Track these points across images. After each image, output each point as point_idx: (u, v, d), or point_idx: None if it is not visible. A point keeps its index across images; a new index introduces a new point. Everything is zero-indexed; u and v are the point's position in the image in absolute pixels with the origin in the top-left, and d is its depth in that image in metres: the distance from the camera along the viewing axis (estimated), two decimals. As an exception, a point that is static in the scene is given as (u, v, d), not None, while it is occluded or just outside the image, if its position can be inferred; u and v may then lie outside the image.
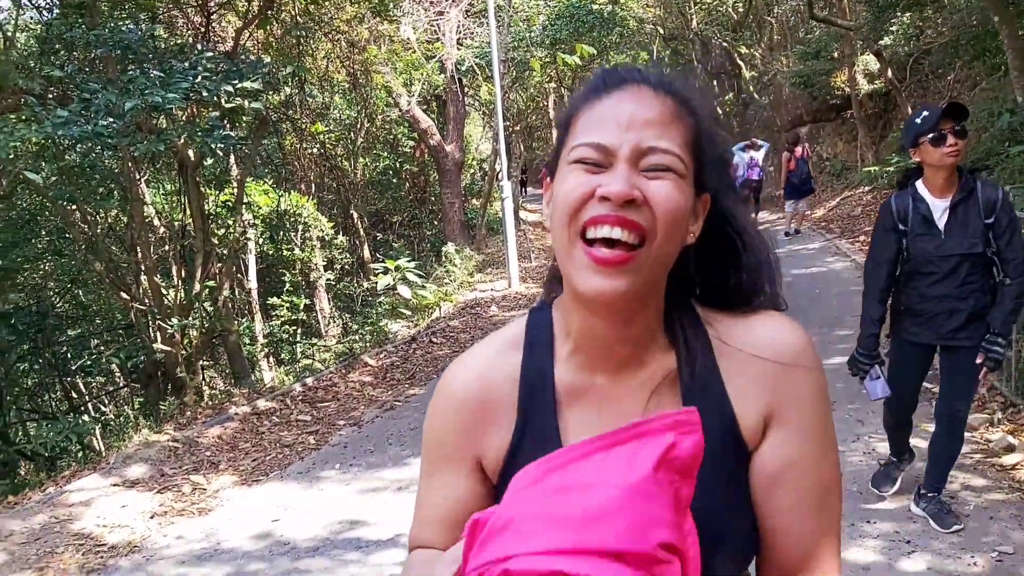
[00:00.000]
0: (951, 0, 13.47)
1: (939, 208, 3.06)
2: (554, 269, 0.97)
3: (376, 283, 12.41)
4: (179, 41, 7.55)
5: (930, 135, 2.96)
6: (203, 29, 8.76)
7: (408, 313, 11.80)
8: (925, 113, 3.01)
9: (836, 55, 18.13)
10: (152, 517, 4.85)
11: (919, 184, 3.12)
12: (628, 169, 0.80)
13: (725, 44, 22.60)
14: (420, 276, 11.94)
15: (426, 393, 7.18)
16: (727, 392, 0.87)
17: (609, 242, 0.79)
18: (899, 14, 14.32)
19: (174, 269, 8.34)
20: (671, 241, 0.82)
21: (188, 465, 5.70)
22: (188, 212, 8.51)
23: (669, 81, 0.87)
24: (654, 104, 0.83)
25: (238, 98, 6.35)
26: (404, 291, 11.29)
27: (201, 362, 8.53)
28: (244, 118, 6.98)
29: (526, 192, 28.55)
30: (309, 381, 7.74)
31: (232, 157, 9.03)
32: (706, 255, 0.91)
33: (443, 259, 14.03)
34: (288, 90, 7.88)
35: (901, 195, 3.16)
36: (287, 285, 14.24)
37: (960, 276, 3.02)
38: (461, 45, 15.03)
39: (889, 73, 15.98)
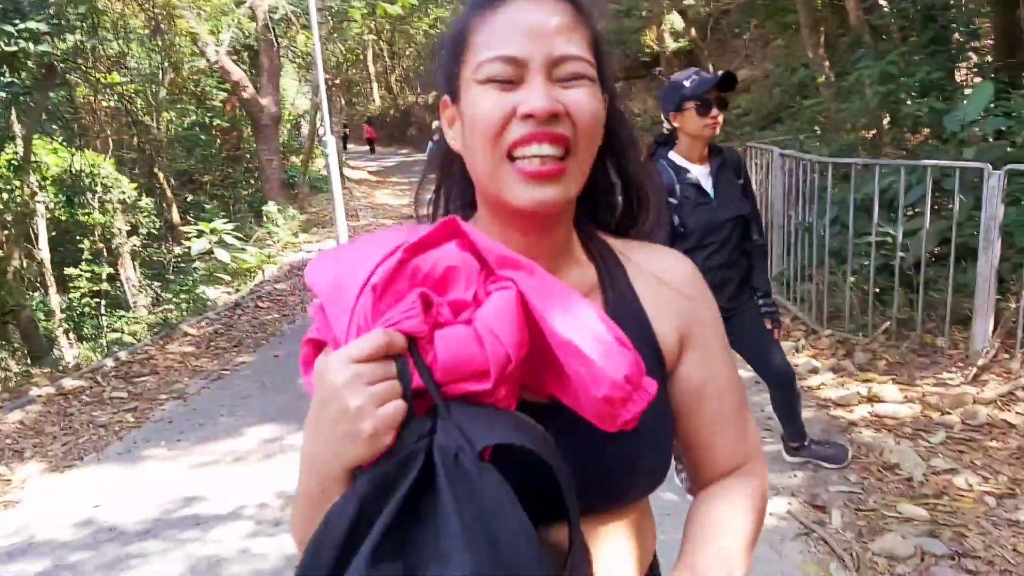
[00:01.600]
0: (746, -37, 14.38)
1: (703, 174, 2.93)
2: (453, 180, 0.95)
3: (189, 248, 11.58)
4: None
5: (697, 102, 2.77)
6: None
7: (227, 278, 11.16)
8: (694, 77, 2.81)
9: (644, 14, 18.95)
10: (-55, 517, 4.27)
11: (672, 155, 2.91)
12: (544, 82, 0.77)
13: None
14: (239, 238, 11.29)
15: (256, 360, 6.83)
16: (644, 310, 0.89)
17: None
18: (702, -25, 15.14)
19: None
20: (592, 146, 0.82)
21: (-16, 456, 5.06)
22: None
23: None
24: (555, 9, 0.79)
25: (20, 40, 5.49)
26: (222, 255, 10.65)
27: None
28: (28, 65, 6.08)
29: (347, 149, 27.69)
30: (122, 355, 7.10)
31: (13, 110, 7.93)
32: (603, 166, 0.91)
33: (264, 219, 13.34)
34: (78, 35, 6.96)
35: (659, 168, 2.90)
36: (85, 253, 12.95)
37: (733, 241, 2.98)
38: (272, -9, 14.14)
39: (693, 32, 16.94)
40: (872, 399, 4.08)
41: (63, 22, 6.12)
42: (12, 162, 8.20)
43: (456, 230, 0.72)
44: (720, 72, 2.80)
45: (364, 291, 0.68)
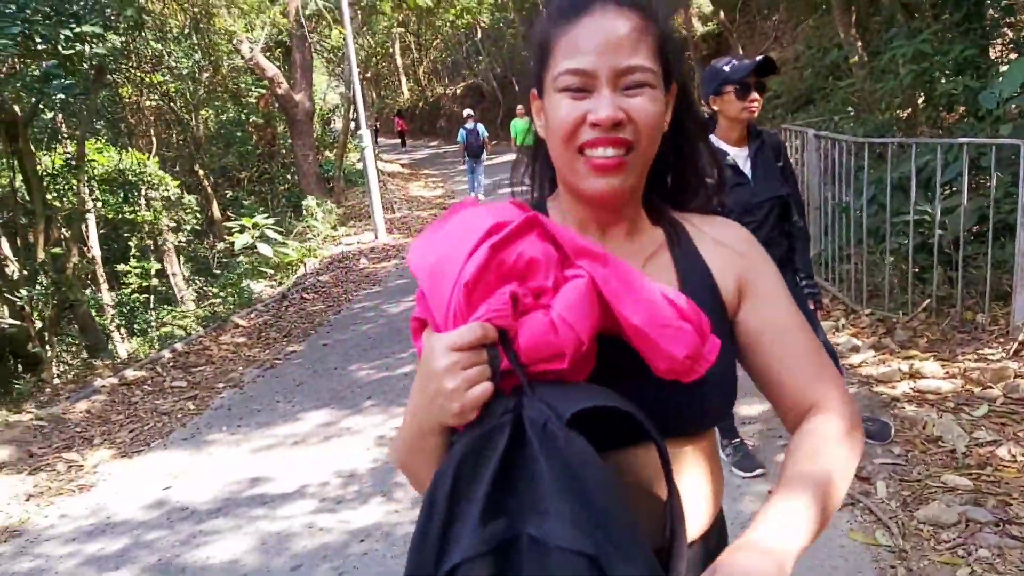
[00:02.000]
0: (775, -57, 14.28)
1: (742, 157, 3.06)
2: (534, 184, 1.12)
3: (232, 243, 11.88)
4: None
5: (736, 86, 2.88)
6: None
7: (270, 272, 11.42)
8: (734, 62, 2.93)
9: (674, -3, 18.84)
10: (28, 499, 4.54)
11: (712, 138, 3.04)
12: (610, 92, 0.91)
13: (569, -13, 22.78)
14: (279, 232, 11.55)
15: (306, 349, 7.06)
16: (708, 267, 1.03)
17: None
18: (730, -43, 15.02)
19: (9, 240, 7.59)
20: (653, 144, 0.96)
21: (58, 443, 5.35)
22: (16, 174, 7.72)
23: None
24: (621, 22, 0.92)
25: (77, 43, 5.74)
26: (264, 249, 10.89)
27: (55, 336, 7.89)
28: (82, 67, 6.35)
29: (378, 142, 27.94)
30: (179, 347, 7.38)
31: (60, 112, 8.23)
32: (673, 146, 1.05)
33: (303, 213, 13.59)
34: (122, 37, 7.22)
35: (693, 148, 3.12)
36: (133, 250, 13.34)
37: (771, 222, 3.07)
38: (304, -13, 14.35)
39: (722, 15, 16.82)
40: (914, 375, 4.16)
41: (114, 24, 6.37)
42: (69, 162, 8.50)
43: (535, 223, 0.84)
44: (759, 57, 2.91)
45: (458, 285, 0.81)
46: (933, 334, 4.58)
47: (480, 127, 15.28)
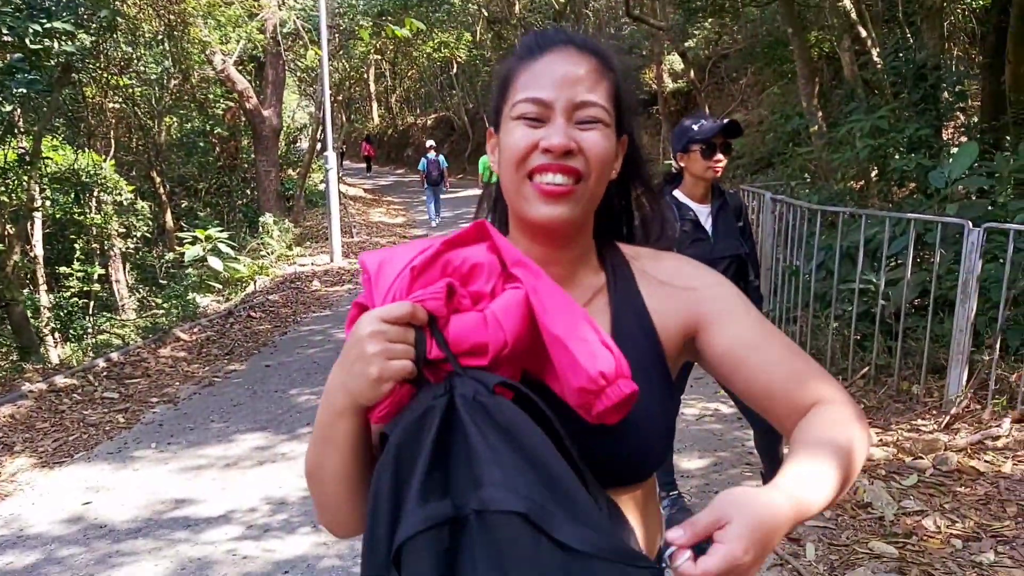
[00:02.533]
0: (746, 10, 14.81)
1: (704, 213, 3.12)
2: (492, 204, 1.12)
3: (181, 253, 11.64)
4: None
5: (702, 145, 2.95)
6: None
7: (218, 286, 11.20)
8: (703, 122, 3.00)
9: (645, 53, 19.33)
10: (-66, 505, 4.31)
11: (677, 193, 3.09)
12: (564, 123, 0.94)
13: (545, 32, 23.23)
14: (232, 247, 11.36)
15: (247, 369, 6.90)
16: (647, 310, 1.03)
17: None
18: (704, 19, 15.52)
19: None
20: (601, 180, 0.98)
21: (-25, 448, 5.11)
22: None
23: (592, 42, 0.99)
24: (581, 62, 0.96)
25: (46, 39, 5.62)
26: (215, 263, 10.70)
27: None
28: (48, 63, 6.21)
29: (344, 165, 27.85)
30: (114, 356, 7.15)
31: (20, 106, 8.04)
32: (622, 192, 1.09)
33: (260, 230, 13.41)
34: (92, 36, 7.11)
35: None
36: (78, 252, 12.97)
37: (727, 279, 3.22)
38: (283, 5, 14.35)
39: (692, 74, 17.30)
40: (849, 440, 4.22)
41: (87, 23, 6.27)
42: (24, 157, 8.26)
43: (486, 232, 0.87)
44: (725, 119, 2.98)
45: (404, 270, 0.84)
46: (870, 401, 4.68)
47: (441, 158, 16.29)
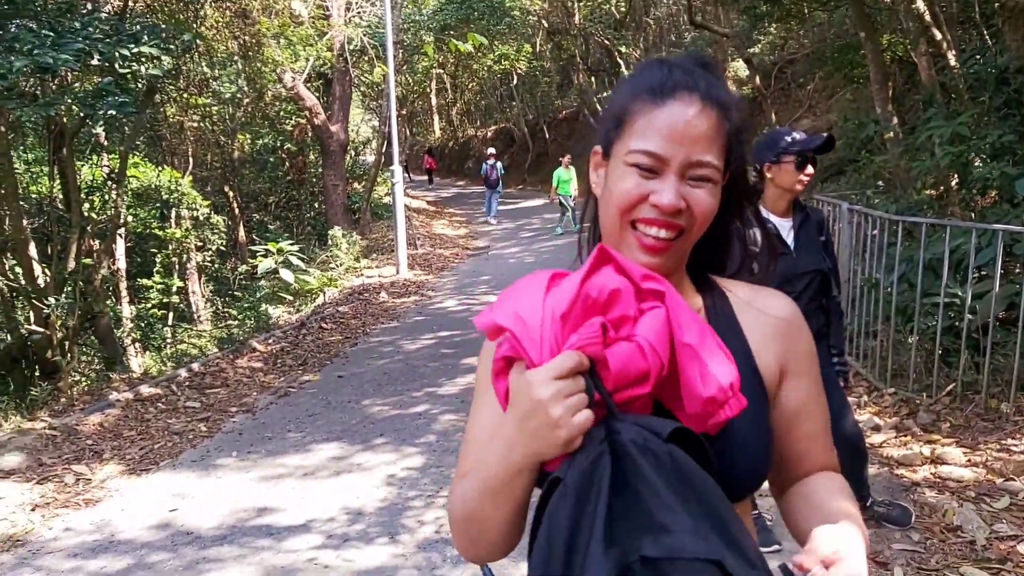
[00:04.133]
0: (813, 14, 14.51)
1: (785, 228, 3.07)
2: (589, 232, 1.13)
3: (255, 266, 11.98)
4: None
5: (798, 157, 2.91)
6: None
7: (290, 298, 11.50)
8: (796, 135, 2.96)
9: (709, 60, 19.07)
10: (34, 509, 4.53)
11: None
12: (676, 180, 0.95)
13: (606, 42, 23.26)
14: (302, 259, 11.64)
15: (321, 379, 7.07)
16: (747, 340, 1.05)
17: None
18: (769, 25, 15.27)
19: (40, 246, 7.71)
20: (701, 232, 1.00)
21: (69, 454, 5.36)
22: (57, 184, 7.87)
23: (716, 92, 0.98)
24: (702, 118, 0.95)
25: (134, 63, 5.92)
26: (286, 275, 10.96)
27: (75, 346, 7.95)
28: (137, 85, 6.52)
29: (410, 178, 28.27)
30: (195, 366, 7.41)
31: (107, 127, 8.44)
32: (722, 223, 1.08)
33: (329, 243, 13.72)
34: (173, 59, 7.45)
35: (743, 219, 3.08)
36: (158, 266, 13.49)
37: (809, 294, 3.05)
38: (349, 23, 14.70)
39: (757, 80, 17.02)
40: (935, 460, 4.09)
41: (169, 47, 6.57)
42: (112, 174, 8.66)
43: (608, 255, 0.89)
44: (824, 134, 2.96)
45: (549, 318, 0.85)
46: (956, 419, 4.52)
47: (499, 164, 18.37)
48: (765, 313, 1.07)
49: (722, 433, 0.92)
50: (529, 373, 0.84)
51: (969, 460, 4.05)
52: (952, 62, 7.82)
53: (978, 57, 7.31)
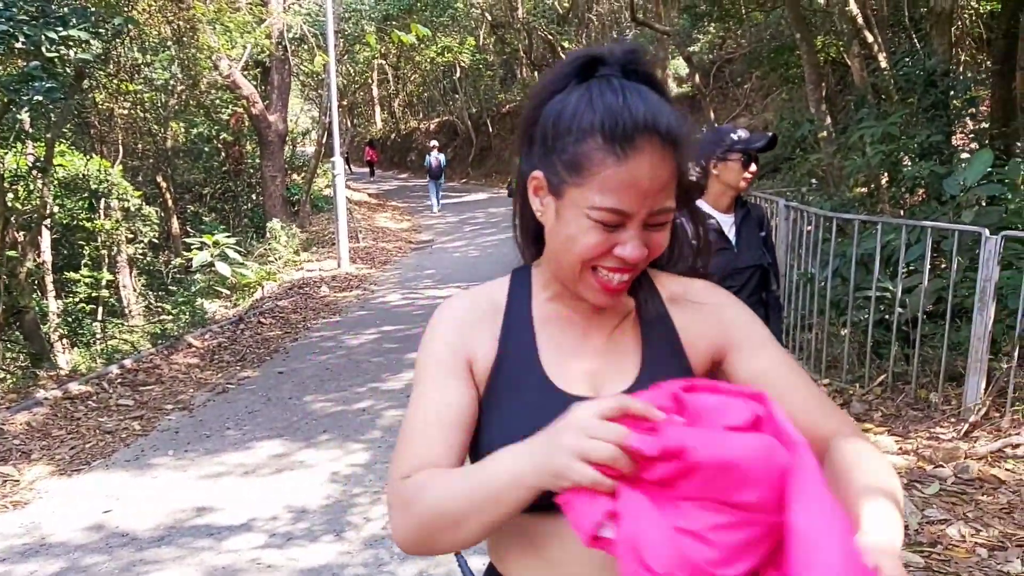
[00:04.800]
0: (751, 15, 14.83)
1: (728, 223, 3.10)
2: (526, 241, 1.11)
3: (189, 259, 11.64)
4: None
5: (743, 155, 2.95)
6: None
7: (226, 292, 11.21)
8: (742, 133, 3.00)
9: (649, 57, 19.34)
10: (-44, 514, 4.32)
11: (701, 202, 3.03)
12: (638, 229, 0.94)
13: (549, 37, 23.34)
14: (239, 252, 11.36)
15: (260, 376, 6.91)
16: (676, 329, 1.06)
17: None
18: (708, 24, 15.55)
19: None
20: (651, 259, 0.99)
21: (-7, 455, 5.12)
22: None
23: (675, 130, 0.92)
24: (664, 167, 0.92)
25: (61, 47, 5.65)
26: (223, 268, 10.67)
27: (-2, 342, 7.59)
28: (65, 70, 6.23)
29: (351, 170, 27.86)
30: (128, 363, 7.16)
31: (33, 113, 8.06)
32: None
33: (267, 235, 13.42)
34: (102, 43, 7.16)
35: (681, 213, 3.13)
36: (86, 259, 12.99)
37: (750, 288, 3.10)
38: (288, 10, 14.37)
39: (696, 78, 17.33)
40: (868, 448, 4.23)
41: (99, 31, 6.29)
42: (36, 164, 8.28)
43: (763, 399, 0.83)
44: (769, 133, 3.02)
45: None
46: (888, 409, 4.69)
47: (441, 156, 19.30)
48: (694, 303, 1.07)
49: None
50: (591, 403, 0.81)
51: (901, 448, 4.21)
52: (883, 64, 8.10)
53: (907, 60, 7.57)
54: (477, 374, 1.03)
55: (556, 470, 0.79)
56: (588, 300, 1.00)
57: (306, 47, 15.46)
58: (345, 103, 22.58)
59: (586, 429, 0.78)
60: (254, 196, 17.75)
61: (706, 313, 1.06)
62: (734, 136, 2.98)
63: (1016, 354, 4.20)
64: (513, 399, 1.01)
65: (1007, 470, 3.84)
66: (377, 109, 38.25)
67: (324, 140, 16.17)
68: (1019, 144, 6.64)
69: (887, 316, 4.90)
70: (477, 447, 1.01)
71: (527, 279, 1.09)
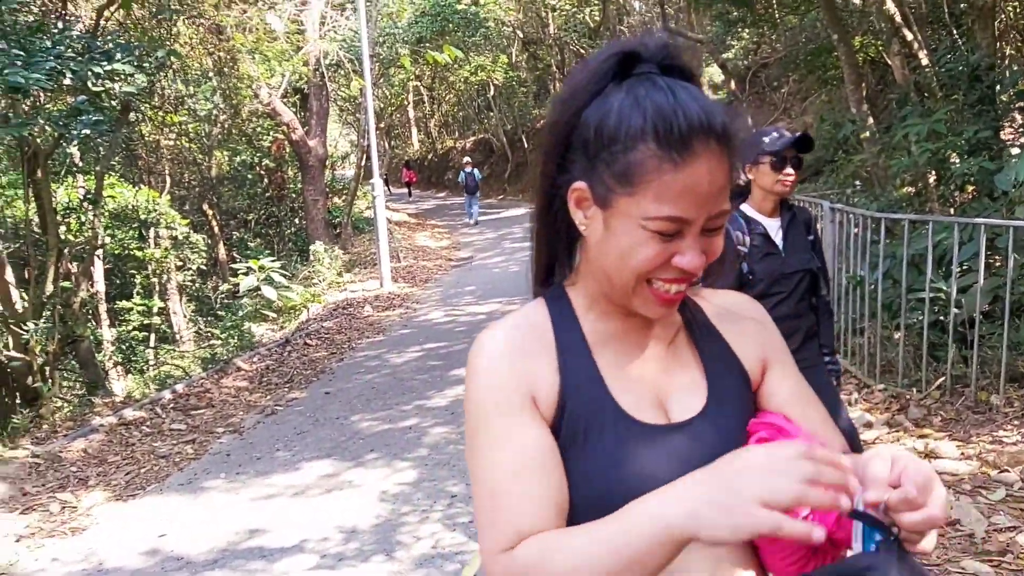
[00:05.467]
0: (785, 18, 14.67)
1: (773, 228, 3.04)
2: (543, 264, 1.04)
3: (236, 284, 11.88)
4: (34, 18, 6.83)
5: (773, 157, 2.87)
6: (59, 7, 8.00)
7: (273, 315, 11.39)
8: (774, 134, 2.92)
9: (684, 65, 19.23)
10: (18, 540, 4.42)
11: (745, 207, 3.01)
12: (696, 237, 0.88)
13: (581, 51, 23.37)
14: (284, 276, 11.55)
15: (307, 396, 6.99)
16: (727, 343, 1.04)
17: None
18: (742, 30, 15.41)
19: (17, 271, 7.58)
20: None
21: (53, 482, 5.24)
22: (32, 206, 7.75)
23: (730, 129, 0.87)
24: (721, 167, 0.86)
25: (107, 81, 5.84)
26: (269, 292, 10.87)
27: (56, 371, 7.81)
28: (112, 103, 6.45)
29: (390, 191, 28.20)
30: (179, 388, 7.31)
31: (76, 146, 8.33)
32: None
33: (311, 258, 13.62)
34: (147, 76, 7.41)
35: (731, 219, 2.94)
36: (137, 287, 13.33)
37: (799, 293, 3.03)
38: (324, 37, 14.64)
39: (732, 84, 17.18)
40: (929, 455, 4.10)
41: (143, 64, 6.50)
42: (87, 196, 8.54)
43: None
44: (798, 132, 2.93)
45: None
46: (947, 413, 4.54)
47: (476, 171, 20.02)
48: (738, 315, 1.07)
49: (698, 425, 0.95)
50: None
51: (963, 453, 4.06)
52: (924, 61, 7.92)
53: (950, 56, 7.40)
54: (543, 410, 0.93)
55: (737, 523, 0.71)
56: (642, 313, 0.94)
57: (343, 72, 15.71)
58: (382, 125, 22.89)
59: (774, 470, 0.72)
60: (297, 220, 18.05)
61: (754, 327, 1.06)
62: (765, 139, 2.89)
63: (1082, 352, 4.03)
64: (593, 436, 0.92)
65: (1078, 474, 3.67)
66: (414, 130, 38.69)
67: (363, 163, 16.40)
68: (1073, 135, 6.42)
69: (942, 317, 4.75)
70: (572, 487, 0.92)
71: (565, 301, 1.01)
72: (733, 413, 0.99)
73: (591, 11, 22.73)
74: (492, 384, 0.93)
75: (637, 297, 0.92)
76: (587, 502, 0.89)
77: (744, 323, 1.05)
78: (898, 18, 8.00)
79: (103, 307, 12.03)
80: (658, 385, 0.98)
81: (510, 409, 0.91)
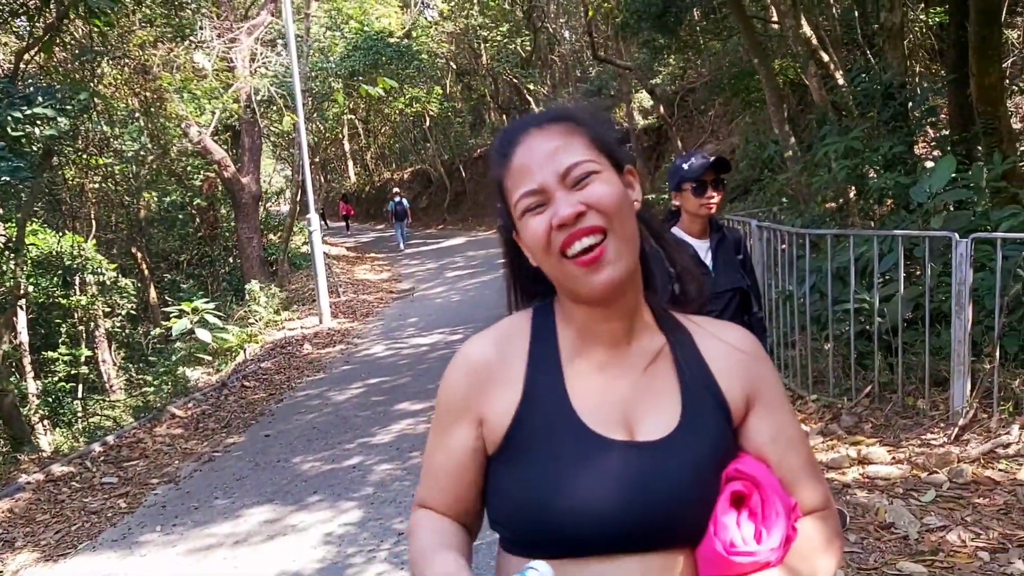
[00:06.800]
0: (709, 44, 15.15)
1: (703, 248, 3.13)
2: (514, 283, 1.15)
3: (169, 328, 11.52)
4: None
5: (693, 183, 2.97)
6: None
7: (208, 358, 11.08)
8: (692, 160, 3.03)
9: (614, 92, 19.69)
10: (-63, 612, 4.17)
11: (675, 230, 3.11)
12: (564, 193, 0.97)
13: (514, 80, 23.69)
14: (219, 317, 11.26)
15: (246, 441, 6.80)
16: (712, 371, 1.05)
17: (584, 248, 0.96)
18: (668, 56, 15.86)
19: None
20: (626, 217, 0.99)
21: (-26, 547, 4.97)
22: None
23: (548, 113, 1.04)
24: (548, 136, 1.00)
25: (27, 125, 5.65)
26: (203, 335, 10.56)
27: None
28: (33, 148, 6.23)
29: (327, 225, 27.90)
30: (110, 439, 7.02)
31: (1, 194, 8.02)
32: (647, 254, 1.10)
33: (247, 297, 13.33)
34: (69, 119, 7.20)
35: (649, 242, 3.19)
36: (63, 336, 12.84)
37: (730, 312, 3.11)
38: (255, 74, 14.49)
39: (661, 109, 17.62)
40: (862, 461, 4.21)
41: (65, 107, 6.32)
42: (8, 245, 8.20)
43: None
44: (712, 157, 3.02)
45: None
46: (877, 419, 4.68)
47: (404, 200, 21.61)
48: (730, 346, 1.07)
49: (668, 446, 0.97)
50: None
51: (894, 458, 4.19)
52: (840, 81, 8.29)
53: (864, 75, 7.75)
54: (490, 427, 1.03)
55: None
56: (584, 293, 0.98)
57: (275, 108, 15.55)
58: (317, 160, 22.75)
59: None
60: (231, 259, 17.68)
61: (744, 361, 1.06)
62: (684, 166, 3.00)
63: (997, 354, 4.22)
64: (544, 444, 0.99)
65: (1000, 470, 3.83)
66: (350, 163, 38.49)
67: (298, 198, 16.20)
68: (979, 148, 6.76)
69: (868, 327, 4.92)
70: (509, 493, 1.00)
71: (550, 314, 1.09)
72: (703, 441, 0.99)
73: (522, 41, 23.09)
74: (449, 392, 1.08)
75: (569, 278, 0.98)
76: (519, 504, 0.98)
77: (734, 355, 1.06)
78: (814, 41, 8.37)
79: (27, 359, 11.52)
80: (629, 404, 1.01)
81: (454, 416, 1.07)
